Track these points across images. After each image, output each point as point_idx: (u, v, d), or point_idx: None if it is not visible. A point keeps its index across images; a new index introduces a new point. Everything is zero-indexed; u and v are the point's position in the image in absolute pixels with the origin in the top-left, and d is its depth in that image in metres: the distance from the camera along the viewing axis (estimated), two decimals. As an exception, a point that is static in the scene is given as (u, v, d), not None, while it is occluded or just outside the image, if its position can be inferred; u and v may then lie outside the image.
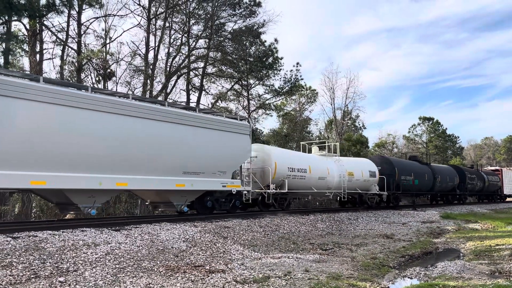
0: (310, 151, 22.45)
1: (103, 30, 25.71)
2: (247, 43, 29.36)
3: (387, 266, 9.57)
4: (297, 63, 32.84)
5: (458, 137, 68.45)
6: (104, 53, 24.23)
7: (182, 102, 28.55)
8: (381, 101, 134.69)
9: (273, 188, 16.35)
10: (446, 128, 65.99)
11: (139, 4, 25.36)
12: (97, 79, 25.13)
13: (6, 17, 18.27)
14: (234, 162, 14.75)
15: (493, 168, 48.15)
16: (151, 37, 25.43)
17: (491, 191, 41.49)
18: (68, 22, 22.98)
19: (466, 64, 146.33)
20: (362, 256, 10.33)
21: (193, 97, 28.73)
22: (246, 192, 14.96)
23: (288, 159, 17.64)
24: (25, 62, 25.11)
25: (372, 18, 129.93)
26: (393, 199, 24.96)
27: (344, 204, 23.52)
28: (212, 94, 30.91)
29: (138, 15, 25.84)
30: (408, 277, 8.61)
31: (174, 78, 26.86)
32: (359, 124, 48.69)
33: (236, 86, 32.06)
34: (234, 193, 14.56)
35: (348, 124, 47.30)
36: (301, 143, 24.10)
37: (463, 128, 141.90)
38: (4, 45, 17.91)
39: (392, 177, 24.21)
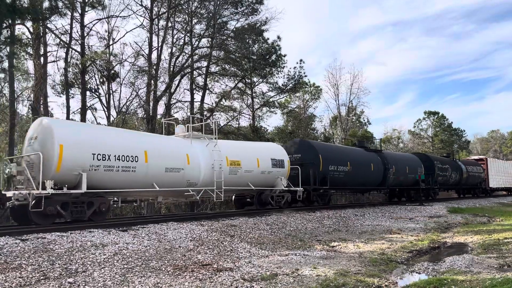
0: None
1: (106, 31, 25.90)
2: (250, 41, 29.33)
3: (395, 261, 9.54)
4: (301, 60, 32.82)
5: (464, 130, 68.30)
6: (107, 55, 24.31)
7: (186, 101, 28.64)
8: (388, 96, 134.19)
9: (52, 188, 10.56)
10: (452, 122, 65.85)
11: (141, 5, 25.46)
12: (101, 80, 25.24)
13: (10, 21, 18.35)
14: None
15: (476, 157, 41.18)
16: (154, 38, 25.52)
17: (472, 184, 35.17)
18: (71, 24, 23.09)
19: (474, 56, 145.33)
20: (369, 252, 10.31)
21: (197, 96, 28.80)
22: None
23: (93, 141, 11.59)
24: (29, 65, 25.28)
25: (377, 12, 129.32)
26: (317, 197, 19.25)
27: (243, 205, 17.77)
28: (216, 93, 30.99)
29: (141, 15, 26.01)
30: (416, 272, 8.58)
31: (178, 77, 26.91)
32: (364, 120, 48.64)
33: (240, 85, 32.07)
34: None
35: (353, 120, 47.19)
36: (163, 120, 19.35)
37: (470, 121, 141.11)
38: (8, 48, 18.01)
39: (315, 168, 18.58)
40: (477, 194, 36.66)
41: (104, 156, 11.60)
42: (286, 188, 17.13)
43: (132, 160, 12.26)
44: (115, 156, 11.83)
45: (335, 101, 45.66)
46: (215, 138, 15.31)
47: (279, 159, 17.13)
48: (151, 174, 12.70)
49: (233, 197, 17.78)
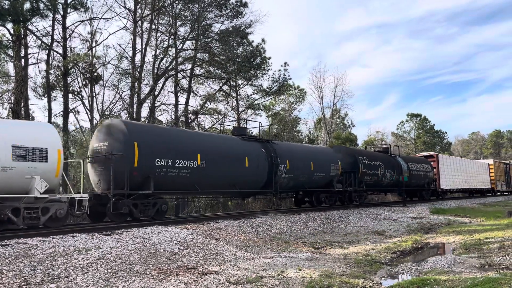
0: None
1: (88, 33, 25.56)
2: (235, 44, 29.31)
3: (379, 262, 9.64)
4: (285, 63, 32.94)
5: (446, 132, 69.43)
6: (90, 57, 24.03)
7: (171, 104, 28.48)
8: (372, 98, 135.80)
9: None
10: (434, 124, 66.88)
11: (124, 7, 25.21)
12: (83, 83, 24.94)
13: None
14: None
15: (425, 153, 35.10)
16: (138, 40, 25.30)
17: (418, 185, 29.03)
18: (53, 26, 22.76)
19: (456, 59, 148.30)
20: (354, 253, 10.39)
21: (182, 99, 28.66)
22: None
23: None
24: (9, 67, 24.84)
25: (363, 14, 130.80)
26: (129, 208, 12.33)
27: None
28: (200, 96, 30.88)
29: (124, 17, 25.76)
30: (400, 273, 8.68)
31: (162, 80, 26.73)
32: (348, 122, 49.09)
33: (225, 87, 32.01)
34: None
35: (337, 122, 47.58)
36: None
37: (452, 123, 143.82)
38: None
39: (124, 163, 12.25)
40: (424, 197, 30.05)
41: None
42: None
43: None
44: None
45: (320, 103, 45.99)
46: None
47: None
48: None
49: None
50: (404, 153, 49.06)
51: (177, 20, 27.03)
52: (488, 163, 42.26)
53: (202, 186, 14.51)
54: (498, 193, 44.09)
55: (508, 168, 46.15)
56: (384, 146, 31.14)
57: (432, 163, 31.27)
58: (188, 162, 13.87)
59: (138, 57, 25.29)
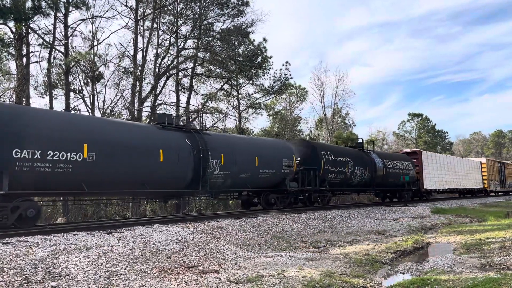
0: None
1: (90, 32, 25.52)
2: (236, 43, 29.32)
3: (380, 262, 9.65)
4: (286, 62, 33.06)
5: (447, 132, 69.39)
6: (92, 55, 24.04)
7: (172, 103, 28.49)
8: (373, 97, 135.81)
9: None
10: (435, 124, 66.84)
11: (126, 5, 25.22)
12: (85, 81, 24.96)
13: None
14: None
15: (407, 150, 31.75)
16: (139, 38, 25.32)
17: (396, 184, 26.04)
18: (54, 24, 22.75)
19: (458, 58, 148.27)
20: (354, 253, 10.40)
21: (183, 98, 28.68)
22: None
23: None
24: (11, 66, 24.87)
25: (365, 13, 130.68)
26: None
27: None
28: (201, 95, 30.90)
29: (126, 16, 25.69)
30: (400, 273, 8.69)
31: (163, 79, 26.76)
32: (349, 122, 49.08)
33: (226, 86, 32.04)
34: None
35: (338, 122, 47.56)
36: None
37: (454, 123, 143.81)
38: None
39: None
40: (404, 197, 27.23)
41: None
42: None
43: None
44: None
45: (321, 103, 45.97)
46: None
47: None
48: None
49: None
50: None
51: (179, 19, 27.04)
52: (481, 162, 39.49)
53: (93, 185, 11.38)
54: (492, 194, 41.16)
55: (502, 167, 43.45)
56: (356, 142, 27.21)
57: (414, 160, 28.42)
58: (69, 154, 10.69)
59: (139, 56, 25.34)
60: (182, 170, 13.59)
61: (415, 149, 31.25)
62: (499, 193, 43.64)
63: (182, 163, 13.49)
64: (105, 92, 27.20)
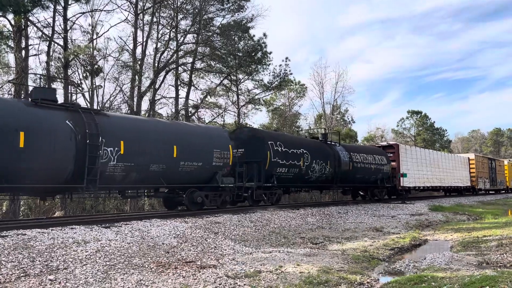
0: None
1: (89, 25, 25.47)
2: (236, 38, 29.24)
3: (377, 259, 9.67)
4: (286, 58, 32.92)
5: (446, 130, 69.44)
6: (91, 49, 23.96)
7: (171, 97, 28.45)
8: (373, 94, 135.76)
9: None
10: (434, 122, 66.85)
11: (126, -1, 25.12)
12: (84, 75, 24.90)
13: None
14: None
15: (383, 143, 28.35)
16: (139, 32, 25.25)
17: (368, 181, 23.34)
18: (54, 17, 22.65)
19: (459, 56, 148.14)
20: (352, 250, 10.42)
21: (182, 93, 28.63)
22: None
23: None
24: (10, 59, 24.77)
25: (366, 9, 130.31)
26: None
27: None
28: (201, 90, 30.84)
29: (125, 10, 25.65)
30: (398, 269, 8.71)
31: (163, 73, 26.71)
32: (348, 118, 49.07)
33: (225, 81, 31.97)
34: None
35: (337, 118, 47.55)
36: None
37: (454, 120, 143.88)
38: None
39: None
40: (377, 196, 24.39)
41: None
42: None
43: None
44: None
45: (320, 99, 46.03)
46: None
47: None
48: None
49: None
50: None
51: (179, 13, 26.95)
52: (469, 158, 36.60)
53: None
54: (481, 192, 38.61)
55: (493, 164, 40.57)
56: (322, 133, 22.52)
57: (390, 154, 25.15)
58: None
59: (139, 50, 25.28)
60: (58, 159, 10.51)
61: (391, 142, 28.09)
62: (489, 192, 40.85)
63: (58, 151, 10.48)
64: (104, 86, 27.18)
